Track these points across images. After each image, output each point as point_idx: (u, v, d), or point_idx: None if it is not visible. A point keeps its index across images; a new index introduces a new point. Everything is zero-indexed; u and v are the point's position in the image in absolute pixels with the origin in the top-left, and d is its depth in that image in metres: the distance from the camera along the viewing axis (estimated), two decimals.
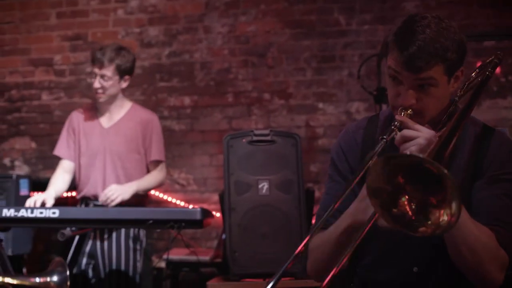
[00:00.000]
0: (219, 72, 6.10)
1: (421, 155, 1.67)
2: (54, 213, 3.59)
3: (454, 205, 1.60)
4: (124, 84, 4.30)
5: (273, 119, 6.02)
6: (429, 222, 1.67)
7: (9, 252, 5.18)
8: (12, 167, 6.34)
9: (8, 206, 3.76)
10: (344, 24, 5.95)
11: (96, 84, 4.22)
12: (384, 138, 1.90)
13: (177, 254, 5.22)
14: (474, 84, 2.17)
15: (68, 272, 2.14)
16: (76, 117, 4.44)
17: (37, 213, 3.60)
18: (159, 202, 5.95)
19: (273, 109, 6.04)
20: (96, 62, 4.21)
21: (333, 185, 2.23)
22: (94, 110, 4.43)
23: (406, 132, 1.91)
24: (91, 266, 4.22)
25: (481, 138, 2.10)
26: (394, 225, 1.71)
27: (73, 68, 6.27)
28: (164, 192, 6.00)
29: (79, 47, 6.21)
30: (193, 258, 4.94)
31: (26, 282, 2.08)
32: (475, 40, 5.40)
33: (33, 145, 6.32)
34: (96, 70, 4.21)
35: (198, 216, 3.54)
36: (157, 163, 4.39)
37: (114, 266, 4.17)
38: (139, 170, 4.34)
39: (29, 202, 4.00)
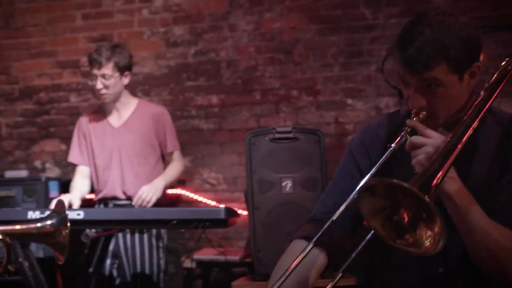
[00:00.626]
0: (246, 70, 6.06)
1: (406, 185, 1.62)
2: (79, 215, 3.59)
3: (437, 226, 1.61)
4: (125, 81, 4.31)
5: (302, 116, 5.97)
6: (416, 237, 1.67)
7: (41, 254, 5.22)
8: (43, 170, 6.38)
9: (34, 209, 3.76)
10: (371, 18, 5.87)
11: (99, 85, 4.23)
12: (391, 146, 1.88)
13: (208, 254, 5.19)
14: (501, 75, 2.08)
15: (67, 212, 2.10)
16: (85, 122, 4.45)
17: None
18: (190, 202, 5.94)
19: (301, 106, 5.98)
20: (94, 63, 4.22)
21: (346, 177, 2.20)
22: (102, 112, 4.44)
23: (414, 139, 1.88)
24: (115, 266, 4.22)
25: (507, 132, 2.02)
26: (395, 242, 1.71)
27: None
28: (195, 192, 5.98)
29: None
30: (223, 258, 4.91)
31: (22, 230, 2.05)
32: None
33: (63, 147, 6.35)
34: (96, 71, 4.22)
35: (222, 215, 3.51)
36: (173, 153, 4.43)
37: (138, 265, 4.17)
38: (156, 164, 4.36)
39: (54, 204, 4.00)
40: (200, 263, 5.04)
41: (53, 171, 6.34)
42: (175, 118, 6.04)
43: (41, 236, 2.02)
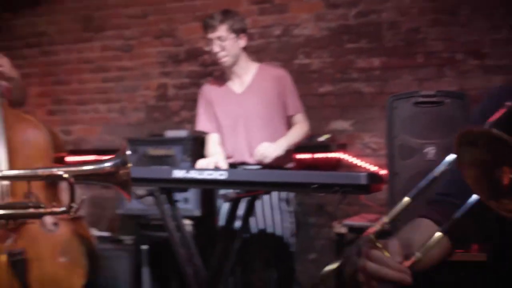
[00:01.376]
0: (408, 32, 5.84)
1: (506, 137, 1.37)
2: (222, 175, 3.62)
3: None
4: (242, 43, 4.31)
5: (467, 81, 5.67)
6: None
7: (197, 213, 5.38)
8: None
9: (179, 168, 3.84)
10: None
11: (216, 48, 4.26)
12: (507, 105, 1.71)
13: (361, 220, 5.11)
14: None
15: (129, 152, 2.12)
16: (208, 89, 4.49)
17: (205, 175, 3.64)
18: (350, 167, 5.86)
19: (466, 70, 5.69)
20: (208, 28, 4.26)
21: None
22: (223, 79, 4.46)
23: None
24: (245, 228, 4.25)
25: None
26: (488, 200, 1.51)
27: (262, 32, 6.29)
28: (356, 156, 5.89)
29: (267, 10, 6.22)
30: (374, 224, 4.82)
31: (83, 170, 2.10)
32: None
33: None
34: (211, 34, 4.26)
35: (363, 181, 3.38)
36: (297, 116, 4.35)
37: (269, 228, 4.18)
38: (282, 127, 4.34)
39: (200, 165, 4.08)
40: (352, 229, 4.96)
41: None
42: (335, 81, 5.99)
43: (104, 175, 2.07)
